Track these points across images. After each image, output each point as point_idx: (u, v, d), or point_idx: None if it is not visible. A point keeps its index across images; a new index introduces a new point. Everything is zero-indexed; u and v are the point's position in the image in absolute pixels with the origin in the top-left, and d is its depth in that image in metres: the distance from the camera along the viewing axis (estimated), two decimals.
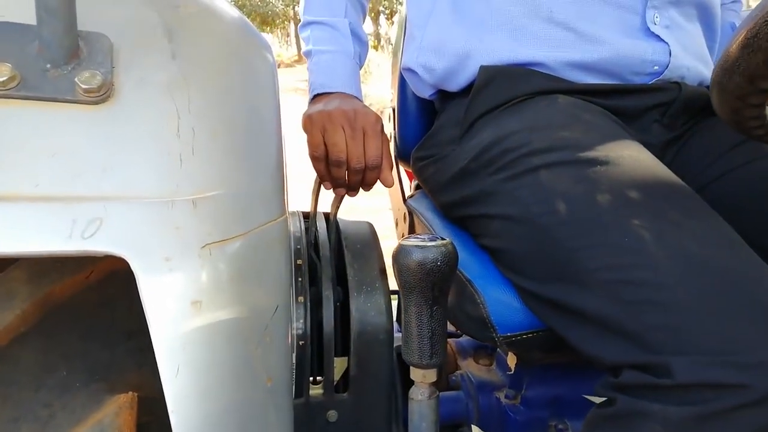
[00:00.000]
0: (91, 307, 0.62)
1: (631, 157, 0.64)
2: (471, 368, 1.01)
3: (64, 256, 0.53)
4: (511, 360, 0.93)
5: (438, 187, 0.84)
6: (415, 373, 0.50)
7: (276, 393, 0.47)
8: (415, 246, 0.46)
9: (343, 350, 0.83)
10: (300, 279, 0.82)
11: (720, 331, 0.48)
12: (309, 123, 0.85)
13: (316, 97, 0.92)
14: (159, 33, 0.53)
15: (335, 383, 0.83)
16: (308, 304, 0.81)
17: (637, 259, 0.54)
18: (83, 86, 0.47)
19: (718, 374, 0.47)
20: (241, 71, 0.57)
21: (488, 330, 0.71)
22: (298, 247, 0.86)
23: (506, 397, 0.94)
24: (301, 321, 0.79)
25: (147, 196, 0.44)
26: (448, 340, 1.11)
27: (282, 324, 0.50)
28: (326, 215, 0.95)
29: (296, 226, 0.90)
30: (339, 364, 0.82)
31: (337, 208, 0.89)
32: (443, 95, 0.91)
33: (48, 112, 0.46)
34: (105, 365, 0.61)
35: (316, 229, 0.91)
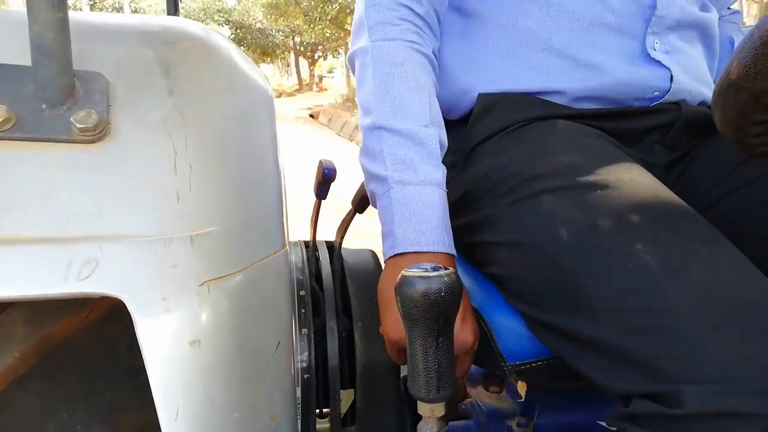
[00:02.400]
0: (91, 347, 0.61)
1: (632, 180, 0.63)
2: (481, 396, 0.99)
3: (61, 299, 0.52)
4: (522, 387, 0.91)
5: None
6: (423, 408, 0.49)
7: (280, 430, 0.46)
8: (418, 276, 0.45)
9: (350, 382, 0.81)
10: (303, 310, 0.81)
11: (731, 359, 0.47)
12: (389, 317, 0.66)
13: (396, 258, 0.68)
14: (155, 70, 0.53)
15: (342, 416, 0.81)
16: (312, 336, 0.79)
17: (644, 286, 0.53)
18: (79, 126, 0.46)
19: (730, 403, 0.45)
20: (237, 105, 0.57)
21: (497, 359, 0.69)
22: (301, 277, 0.85)
23: (518, 425, 0.91)
24: (305, 354, 0.78)
25: (143, 235, 0.44)
26: None
27: (284, 359, 0.49)
28: (328, 243, 0.95)
29: (298, 256, 0.89)
30: (345, 397, 0.81)
31: (343, 236, 0.89)
32: (444, 123, 0.91)
33: (44, 153, 0.46)
34: (107, 405, 0.60)
35: (318, 258, 0.90)
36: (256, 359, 0.45)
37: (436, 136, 0.72)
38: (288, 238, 0.58)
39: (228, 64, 0.59)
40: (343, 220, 0.89)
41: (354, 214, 0.89)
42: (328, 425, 0.79)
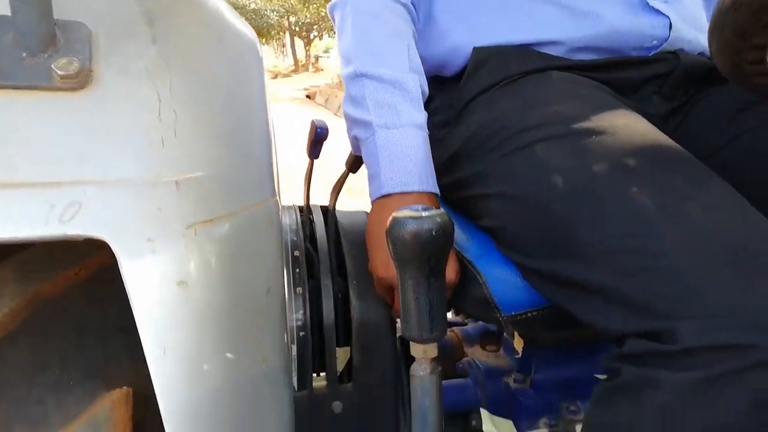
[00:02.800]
0: (83, 305, 0.60)
1: (628, 126, 0.62)
2: (478, 355, 1.00)
3: (48, 247, 0.52)
4: (518, 343, 0.92)
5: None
6: (416, 349, 0.48)
7: (271, 374, 0.46)
8: (409, 217, 0.45)
9: (346, 340, 0.81)
10: (297, 270, 0.81)
11: (726, 295, 0.46)
12: (377, 258, 0.70)
13: (383, 199, 0.70)
14: (139, 20, 0.52)
15: (339, 374, 0.81)
16: (307, 295, 0.79)
17: (638, 227, 0.52)
18: (60, 73, 0.46)
19: (725, 336, 0.45)
20: (224, 56, 0.56)
21: (492, 310, 0.69)
22: (294, 238, 0.84)
23: (515, 381, 0.92)
24: (301, 312, 0.78)
25: (128, 179, 0.43)
26: (454, 328, 1.09)
27: (275, 307, 0.48)
28: (323, 208, 0.94)
29: (292, 218, 0.89)
30: (342, 355, 0.81)
31: (336, 197, 0.88)
32: (437, 81, 0.90)
33: (24, 101, 0.45)
34: (99, 362, 0.60)
35: (312, 219, 0.89)
36: (245, 303, 0.45)
37: (417, 81, 0.74)
38: (278, 189, 0.57)
39: (214, 15, 0.58)
40: (337, 181, 0.88)
41: (347, 175, 0.89)
42: (324, 383, 0.80)
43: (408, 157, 0.69)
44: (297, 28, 27.81)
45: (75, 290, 0.61)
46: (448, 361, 1.03)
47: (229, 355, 0.43)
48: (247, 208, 0.48)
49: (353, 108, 0.73)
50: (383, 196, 0.70)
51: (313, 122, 0.83)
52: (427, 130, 0.74)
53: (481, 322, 1.10)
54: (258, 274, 0.47)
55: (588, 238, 0.55)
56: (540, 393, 0.90)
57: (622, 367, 0.51)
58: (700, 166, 0.57)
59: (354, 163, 0.86)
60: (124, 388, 0.54)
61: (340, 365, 0.81)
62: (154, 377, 0.41)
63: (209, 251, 0.43)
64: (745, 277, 0.47)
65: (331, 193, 0.89)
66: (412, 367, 0.50)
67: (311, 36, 28.06)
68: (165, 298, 0.41)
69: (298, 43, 29.83)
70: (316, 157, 0.85)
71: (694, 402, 0.46)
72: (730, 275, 0.47)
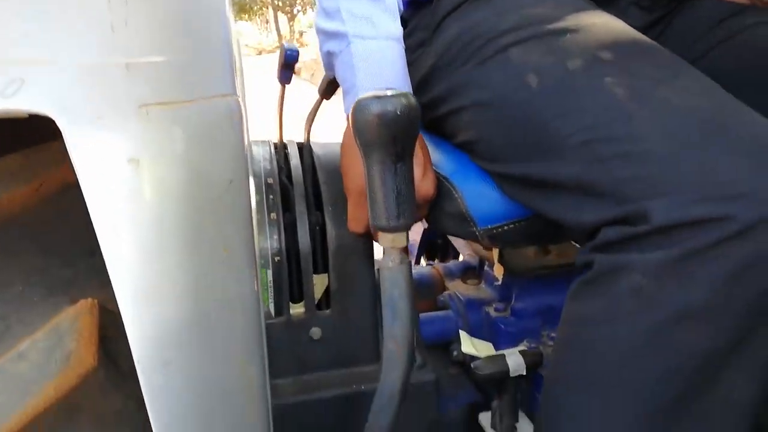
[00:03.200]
0: (47, 223, 0.58)
1: (604, 23, 0.60)
2: (459, 288, 0.99)
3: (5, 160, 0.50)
4: (498, 270, 0.91)
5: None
6: (384, 239, 0.47)
7: (234, 264, 0.45)
8: (373, 97, 0.43)
9: (324, 268, 0.80)
10: (271, 197, 0.79)
11: (699, 170, 0.45)
12: (351, 184, 0.69)
13: None
14: None
15: (318, 302, 0.80)
16: (281, 220, 0.78)
17: (611, 115, 0.51)
18: None
19: (698, 210, 0.44)
20: None
21: (468, 224, 0.68)
22: (268, 167, 0.83)
23: (496, 310, 0.92)
24: (275, 237, 0.77)
25: (75, 62, 0.41)
26: (435, 264, 1.09)
27: (239, 200, 0.47)
28: (299, 144, 0.92)
29: (266, 150, 0.87)
30: (319, 282, 0.80)
31: (310, 127, 0.86)
32: (412, 5, 0.87)
33: None
34: (66, 282, 0.58)
35: (286, 150, 0.87)
36: (204, 190, 0.44)
37: None
38: (241, 93, 0.55)
39: None
40: (311, 111, 0.86)
41: (321, 102, 0.87)
42: (302, 310, 0.79)
43: (385, 67, 0.67)
44: (280, 3, 27.31)
45: (37, 208, 0.59)
46: (429, 296, 1.02)
47: (185, 236, 0.41)
48: (205, 99, 0.46)
49: (326, 21, 0.70)
50: None
51: (282, 45, 0.81)
52: (403, 44, 0.72)
53: (462, 259, 1.10)
54: (218, 164, 0.46)
55: (561, 132, 0.54)
56: (520, 320, 0.90)
57: (595, 258, 0.50)
58: (674, 56, 0.56)
59: (328, 89, 0.84)
60: (89, 299, 0.53)
61: (318, 292, 0.80)
62: (107, 255, 0.39)
63: (163, 132, 0.41)
64: (717, 152, 0.46)
65: (306, 123, 0.87)
66: (381, 259, 0.49)
67: (294, 11, 27.58)
68: (115, 173, 0.39)
69: (282, 18, 29.34)
70: (288, 83, 0.83)
71: (668, 282, 0.45)
72: (702, 151, 0.46)
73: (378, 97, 0.43)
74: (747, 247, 0.43)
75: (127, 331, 0.40)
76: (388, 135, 0.43)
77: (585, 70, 0.55)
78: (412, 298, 0.48)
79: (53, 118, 0.38)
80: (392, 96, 0.43)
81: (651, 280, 0.46)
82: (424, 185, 0.64)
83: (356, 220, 0.72)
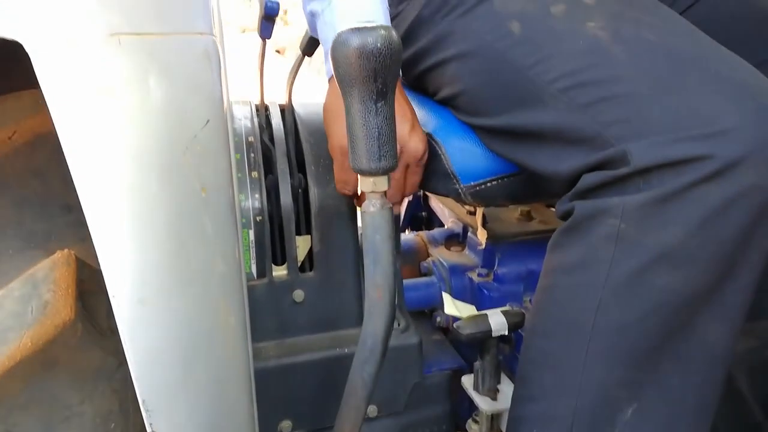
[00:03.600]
0: (20, 175, 0.57)
1: None
2: (443, 254, 0.99)
3: None
4: (482, 234, 0.91)
5: None
6: (365, 183, 0.46)
7: (212, 203, 0.44)
8: (352, 30, 0.42)
9: (307, 229, 0.79)
10: (253, 155, 0.78)
11: (678, 109, 0.45)
12: (335, 142, 0.66)
13: None
14: None
15: (301, 264, 0.79)
16: (262, 179, 0.76)
17: (592, 59, 0.51)
18: None
19: (677, 150, 0.43)
20: None
21: (451, 181, 0.68)
22: (249, 125, 0.81)
23: (479, 275, 0.91)
24: (257, 197, 0.75)
25: None
26: (419, 232, 1.08)
27: (216, 140, 0.45)
28: (281, 106, 0.91)
29: (246, 109, 0.85)
30: (302, 243, 0.79)
31: (292, 84, 0.84)
32: None
33: None
34: (42, 236, 0.57)
35: (268, 110, 0.86)
36: (180, 127, 0.42)
37: None
38: (219, 34, 0.54)
39: None
40: (292, 68, 0.84)
41: (303, 59, 0.85)
42: (285, 272, 0.78)
43: (366, 4, 0.63)
44: None
45: (10, 158, 0.57)
46: (412, 263, 1.02)
47: (161, 173, 0.40)
48: (181, 34, 0.45)
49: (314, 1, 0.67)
50: None
51: None
52: (388, 5, 0.68)
53: (446, 227, 1.09)
54: (194, 102, 0.44)
55: (544, 78, 0.53)
56: (503, 285, 0.90)
57: (575, 205, 0.50)
58: (656, 1, 0.55)
59: (309, 45, 0.82)
60: (66, 250, 0.51)
61: (301, 254, 0.79)
62: (79, 187, 0.38)
63: (136, 63, 0.40)
64: (698, 91, 0.45)
65: (287, 81, 0.85)
66: (363, 204, 0.48)
67: None
68: (85, 101, 0.37)
69: None
70: (268, 37, 0.81)
71: (646, 225, 0.45)
72: (682, 91, 0.46)
73: (358, 30, 0.42)
74: (724, 188, 0.43)
75: (101, 268, 0.39)
76: (368, 69, 0.42)
77: (567, 14, 0.54)
78: (394, 243, 0.47)
79: (21, 43, 0.37)
80: (372, 28, 0.42)
81: (630, 223, 0.46)
82: (412, 142, 0.62)
83: (343, 182, 0.70)
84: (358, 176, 0.46)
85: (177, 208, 0.41)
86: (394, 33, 0.43)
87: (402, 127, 0.61)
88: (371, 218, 0.47)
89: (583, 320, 0.49)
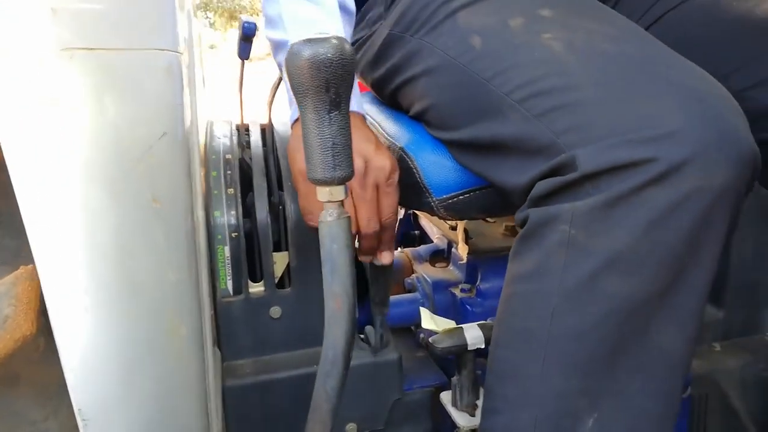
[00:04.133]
0: None
1: None
2: (427, 271, 0.98)
3: None
4: (463, 249, 0.91)
5: (368, 66, 0.80)
6: (322, 193, 0.46)
7: (165, 216, 0.44)
8: (305, 41, 0.42)
9: (286, 246, 0.79)
10: (230, 172, 0.78)
11: (626, 114, 0.45)
12: (298, 173, 0.65)
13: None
14: None
15: (279, 279, 0.79)
16: (238, 196, 0.77)
17: (547, 69, 0.51)
18: None
19: (623, 153, 0.43)
20: None
21: (424, 195, 0.68)
22: (228, 143, 0.82)
23: (462, 291, 0.91)
24: (233, 213, 0.75)
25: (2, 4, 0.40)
26: (404, 249, 1.08)
27: (173, 154, 0.46)
28: (262, 126, 0.91)
29: (226, 128, 0.86)
30: (280, 260, 0.79)
31: (272, 100, 0.85)
32: None
33: None
34: (11, 253, 0.57)
35: (247, 129, 0.86)
36: (134, 140, 0.43)
37: None
38: (188, 52, 0.54)
39: None
40: (272, 87, 0.85)
41: (281, 80, 0.86)
42: (262, 288, 0.77)
43: (322, 34, 0.64)
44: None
45: None
46: (397, 279, 1.01)
47: (111, 184, 0.40)
48: (139, 50, 0.45)
49: (271, 30, 0.68)
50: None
51: (240, 18, 0.80)
52: (343, 19, 0.68)
53: (431, 244, 1.09)
54: (152, 116, 0.45)
55: (501, 90, 0.54)
56: (486, 300, 0.89)
57: (530, 213, 0.50)
58: (610, 11, 0.56)
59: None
60: (30, 265, 0.51)
61: (279, 270, 0.79)
62: (17, 186, 0.38)
63: (88, 78, 0.40)
64: (644, 95, 0.46)
65: (267, 100, 0.86)
66: (320, 214, 0.48)
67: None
68: (35, 117, 0.38)
69: None
70: (247, 58, 0.82)
71: (595, 230, 0.45)
72: (629, 95, 0.46)
73: (309, 41, 0.42)
74: (669, 191, 0.42)
75: (39, 275, 0.39)
76: (320, 78, 0.42)
77: (524, 27, 0.55)
78: (351, 253, 0.47)
79: None
80: (324, 39, 0.42)
81: (579, 229, 0.45)
82: (377, 159, 0.62)
83: (307, 211, 0.67)
84: (316, 189, 0.46)
85: (125, 217, 0.41)
86: (346, 44, 0.43)
87: (366, 146, 0.61)
88: (328, 228, 0.47)
89: (539, 328, 0.48)
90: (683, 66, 0.48)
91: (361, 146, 0.61)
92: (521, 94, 0.51)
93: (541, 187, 0.48)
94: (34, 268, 0.52)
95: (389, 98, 0.78)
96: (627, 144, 0.43)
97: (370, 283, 0.78)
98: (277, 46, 0.68)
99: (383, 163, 0.62)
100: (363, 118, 0.69)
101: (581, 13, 0.55)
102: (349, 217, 0.47)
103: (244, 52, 0.81)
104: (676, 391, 0.47)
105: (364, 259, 0.70)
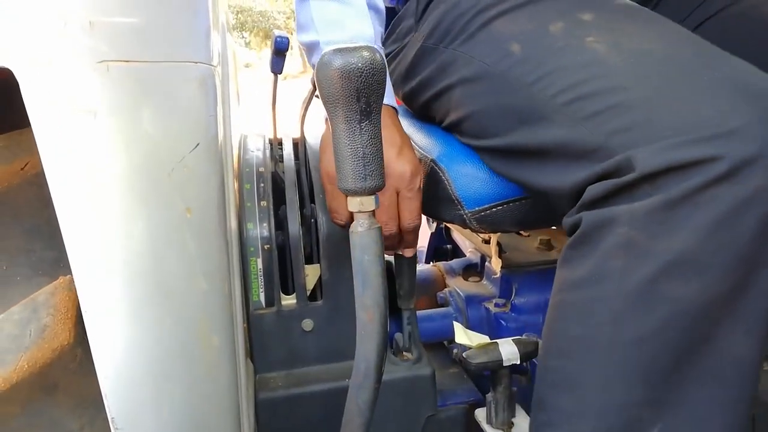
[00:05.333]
0: (32, 206, 0.59)
1: None
2: (460, 285, 0.97)
3: None
4: (496, 263, 0.89)
5: (400, 79, 0.80)
6: (352, 203, 0.46)
7: (197, 225, 0.44)
8: (334, 51, 0.42)
9: (317, 258, 0.79)
10: (263, 185, 0.79)
11: (684, 113, 0.43)
12: (324, 170, 0.66)
13: None
14: None
15: (311, 292, 0.79)
16: (271, 209, 0.77)
17: (593, 71, 0.50)
18: None
19: (684, 153, 0.42)
20: None
21: (456, 207, 0.67)
22: (260, 156, 0.82)
23: (496, 305, 0.89)
24: (265, 225, 0.76)
25: (37, 16, 0.41)
26: (437, 263, 1.06)
27: (206, 165, 0.46)
28: (294, 139, 0.92)
29: (259, 142, 0.87)
30: (312, 272, 0.79)
31: (304, 117, 0.86)
32: None
33: None
34: (50, 264, 0.58)
35: (280, 142, 0.87)
36: (168, 149, 0.43)
37: None
38: (222, 64, 0.55)
39: None
40: (305, 100, 0.86)
41: (314, 92, 0.86)
42: (294, 300, 0.77)
43: (353, 43, 0.65)
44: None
45: (23, 188, 0.59)
46: (429, 293, 1.00)
47: (144, 193, 0.40)
48: (173, 63, 0.46)
49: (303, 34, 0.69)
50: None
51: (273, 33, 0.81)
52: (380, 45, 0.70)
53: (464, 258, 1.08)
54: (186, 127, 0.45)
55: (546, 93, 0.53)
56: (520, 315, 0.88)
57: (582, 216, 0.48)
58: (652, 13, 0.55)
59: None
60: (69, 276, 0.52)
61: (311, 283, 0.79)
62: (58, 203, 0.38)
63: (123, 89, 0.41)
64: (700, 93, 0.44)
65: (300, 113, 0.87)
66: (352, 225, 0.47)
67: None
68: (70, 122, 0.39)
69: None
70: (279, 72, 0.83)
71: (655, 231, 0.43)
72: (683, 94, 0.44)
73: (340, 50, 0.42)
74: (736, 190, 0.40)
75: (76, 284, 0.39)
76: (350, 88, 0.42)
77: (565, 31, 0.54)
78: (383, 264, 0.47)
79: (10, 69, 0.39)
80: (354, 48, 0.42)
81: (638, 231, 0.44)
82: (397, 165, 0.61)
83: (334, 210, 0.68)
84: (347, 199, 0.46)
85: (158, 226, 0.41)
86: (377, 53, 0.43)
87: (389, 151, 0.61)
88: (359, 238, 0.46)
89: (598, 336, 0.46)
90: (736, 63, 0.47)
91: (385, 140, 0.61)
92: (566, 98, 0.50)
93: (594, 190, 0.47)
94: (72, 278, 0.53)
95: (420, 110, 0.78)
96: (687, 143, 0.42)
97: (396, 276, 0.78)
98: (309, 48, 0.69)
99: (402, 168, 0.62)
100: (395, 112, 0.69)
101: (623, 16, 0.54)
102: (380, 227, 0.47)
103: (277, 66, 0.82)
104: (746, 399, 0.45)
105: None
